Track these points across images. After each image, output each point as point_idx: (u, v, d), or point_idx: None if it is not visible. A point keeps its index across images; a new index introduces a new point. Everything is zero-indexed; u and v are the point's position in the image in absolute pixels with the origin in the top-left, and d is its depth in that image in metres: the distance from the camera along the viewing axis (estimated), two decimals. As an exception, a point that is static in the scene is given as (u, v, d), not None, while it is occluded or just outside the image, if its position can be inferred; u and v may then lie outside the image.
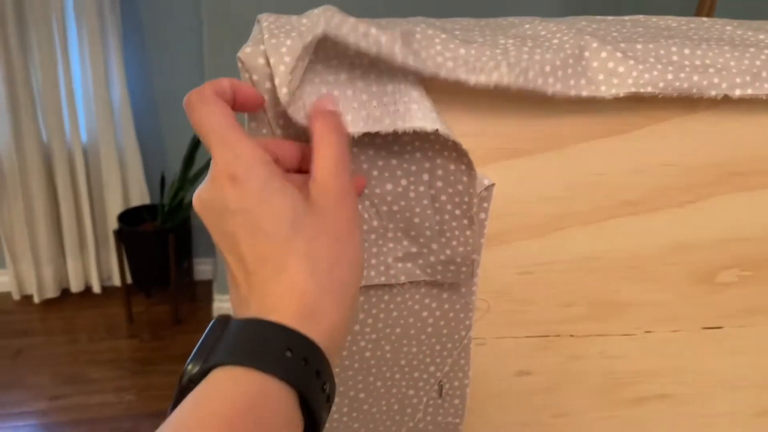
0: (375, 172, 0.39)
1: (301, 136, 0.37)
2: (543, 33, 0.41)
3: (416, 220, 0.40)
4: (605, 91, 0.38)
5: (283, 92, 0.34)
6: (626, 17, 0.46)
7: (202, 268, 2.70)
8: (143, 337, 2.36)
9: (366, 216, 0.40)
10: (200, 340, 0.31)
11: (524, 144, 0.41)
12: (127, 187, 2.47)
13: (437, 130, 0.35)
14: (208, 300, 2.56)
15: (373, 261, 0.41)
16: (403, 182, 0.39)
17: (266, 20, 0.40)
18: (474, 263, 0.41)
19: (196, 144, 2.38)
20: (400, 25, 0.40)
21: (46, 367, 2.16)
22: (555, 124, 0.41)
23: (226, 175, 0.32)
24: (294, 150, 0.37)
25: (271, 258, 0.31)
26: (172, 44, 2.39)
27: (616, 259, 0.45)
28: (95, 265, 2.51)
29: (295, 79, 0.35)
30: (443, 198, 0.39)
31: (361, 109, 0.37)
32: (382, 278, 0.41)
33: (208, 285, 2.67)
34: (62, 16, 2.20)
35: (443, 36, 0.38)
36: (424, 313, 0.44)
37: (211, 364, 0.29)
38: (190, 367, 0.29)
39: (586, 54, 0.39)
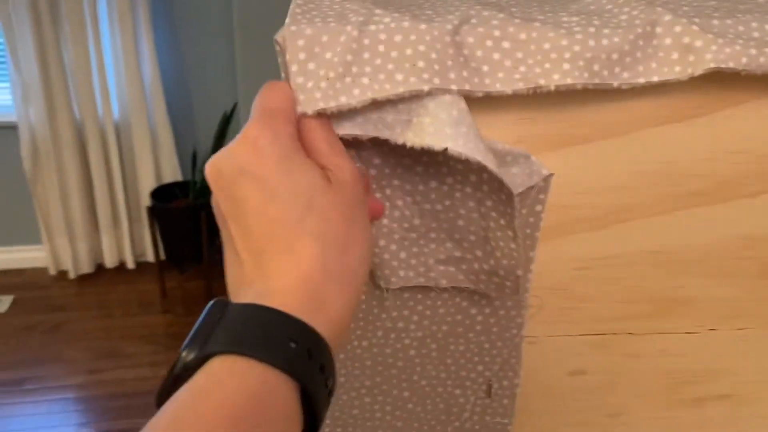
0: (419, 168, 0.36)
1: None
2: (609, 7, 0.37)
3: (461, 222, 0.37)
4: (680, 71, 0.35)
5: (300, 98, 0.33)
6: (696, -12, 0.42)
7: (234, 245, 2.71)
8: (177, 312, 2.38)
9: (407, 213, 0.37)
10: (196, 325, 0.28)
11: (585, 129, 0.38)
12: (159, 163, 2.48)
13: (446, 149, 0.32)
14: (240, 276, 2.57)
15: (413, 261, 0.38)
16: (449, 180, 0.36)
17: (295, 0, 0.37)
18: (518, 279, 0.38)
19: (227, 120, 2.37)
20: (451, 6, 0.36)
21: (83, 342, 2.19)
22: (619, 108, 0.37)
23: (251, 140, 0.30)
24: None
25: (280, 234, 0.29)
26: (202, 19, 2.37)
27: (682, 253, 0.42)
28: (129, 241, 2.54)
29: (308, 80, 0.33)
30: (488, 203, 0.35)
31: (373, 111, 0.34)
32: (421, 279, 0.39)
33: (239, 261, 2.68)
34: (92, -9, 2.19)
35: (501, 16, 0.35)
36: (473, 311, 0.42)
37: (208, 351, 0.26)
38: (185, 353, 0.27)
39: (658, 30, 0.35)
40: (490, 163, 0.32)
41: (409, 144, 0.33)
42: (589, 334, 0.44)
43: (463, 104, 0.34)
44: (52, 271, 2.55)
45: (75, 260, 2.51)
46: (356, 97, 0.33)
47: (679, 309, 0.44)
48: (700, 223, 0.41)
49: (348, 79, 0.33)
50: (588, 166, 0.39)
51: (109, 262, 2.57)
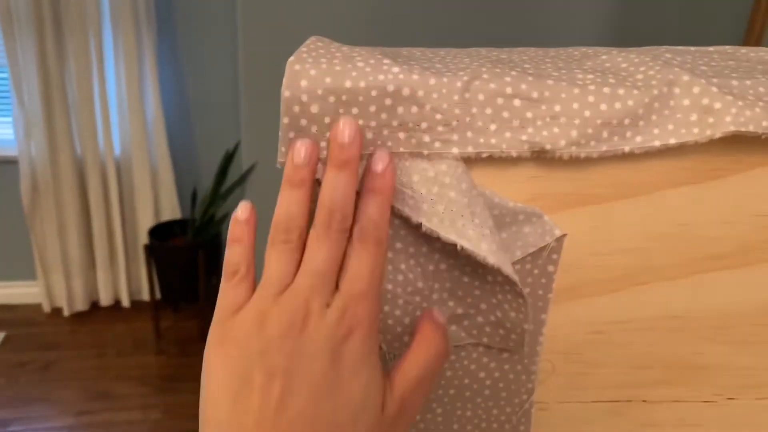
0: (422, 229, 0.35)
1: None
2: (624, 65, 0.36)
3: (465, 279, 0.36)
4: (698, 133, 0.34)
5: (280, 149, 0.32)
6: (711, 48, 0.42)
7: (231, 284, 2.68)
8: (171, 353, 2.34)
9: (411, 276, 0.36)
10: None
11: (600, 189, 0.36)
12: (158, 201, 2.47)
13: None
14: (236, 316, 2.53)
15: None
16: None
17: (306, 42, 0.36)
18: (524, 332, 0.36)
19: (228, 159, 2.36)
20: (461, 62, 0.35)
21: (74, 382, 2.15)
22: (635, 168, 0.36)
23: None
24: None
25: None
26: (207, 57, 2.39)
27: (701, 318, 0.40)
28: (125, 278, 2.51)
29: (311, 124, 0.32)
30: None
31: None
32: None
33: (236, 301, 2.65)
34: (99, 29, 2.21)
35: (513, 74, 0.34)
36: (482, 374, 0.40)
37: None
38: None
39: (676, 90, 0.34)
40: (505, 265, 0.32)
41: (424, 227, 0.33)
42: (602, 401, 0.42)
43: (461, 168, 0.33)
44: (46, 308, 2.52)
45: (70, 297, 2.48)
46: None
47: (696, 376, 0.42)
48: (721, 288, 0.39)
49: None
50: (602, 227, 0.37)
51: (104, 299, 2.54)
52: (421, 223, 0.32)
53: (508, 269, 0.33)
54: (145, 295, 2.53)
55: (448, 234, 0.32)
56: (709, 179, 0.37)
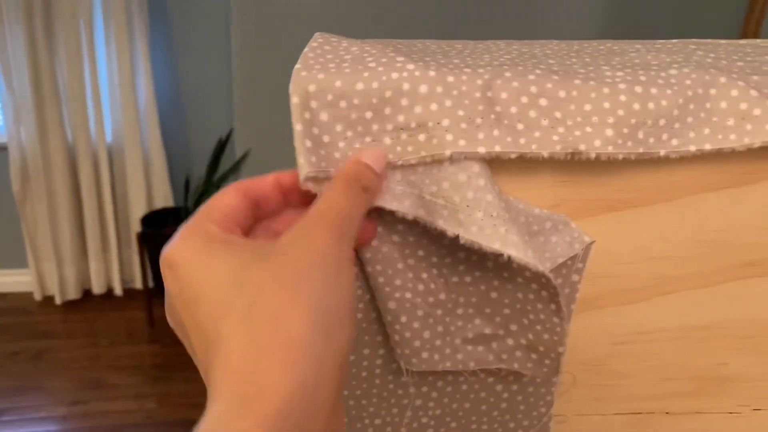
0: (446, 239, 0.32)
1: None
2: (655, 63, 0.34)
3: (493, 294, 0.33)
4: (735, 140, 0.31)
5: (321, 153, 0.30)
6: (742, 41, 0.39)
7: (225, 272, 2.65)
8: (164, 342, 2.31)
9: (433, 286, 0.33)
10: None
11: (630, 194, 0.34)
12: (151, 189, 2.44)
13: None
14: (231, 305, 2.51)
15: (438, 342, 0.34)
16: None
17: (311, 42, 0.34)
18: (560, 357, 0.34)
19: (221, 147, 2.33)
20: (480, 59, 0.33)
21: (67, 371, 2.12)
22: (667, 173, 0.34)
23: (166, 265, 0.28)
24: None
25: (210, 332, 0.25)
26: (200, 44, 2.34)
27: (730, 328, 0.38)
28: (117, 267, 2.48)
29: (320, 134, 0.30)
30: (527, 274, 0.31)
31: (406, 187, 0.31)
32: (447, 363, 0.34)
33: (230, 289, 2.62)
34: (90, 15, 2.16)
35: (537, 72, 0.31)
36: (499, 387, 0.38)
37: None
38: None
39: (712, 92, 0.32)
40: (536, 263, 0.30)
41: (449, 233, 0.30)
42: (623, 414, 0.40)
43: (487, 172, 0.30)
44: (38, 297, 2.48)
45: (62, 285, 2.45)
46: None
47: (721, 387, 0.40)
48: (753, 297, 0.37)
49: (368, 139, 0.30)
50: (630, 234, 0.35)
51: (97, 288, 2.50)
52: (457, 235, 0.30)
53: (555, 281, 0.30)
54: (138, 284, 2.50)
55: (491, 243, 0.29)
56: (746, 183, 0.34)
